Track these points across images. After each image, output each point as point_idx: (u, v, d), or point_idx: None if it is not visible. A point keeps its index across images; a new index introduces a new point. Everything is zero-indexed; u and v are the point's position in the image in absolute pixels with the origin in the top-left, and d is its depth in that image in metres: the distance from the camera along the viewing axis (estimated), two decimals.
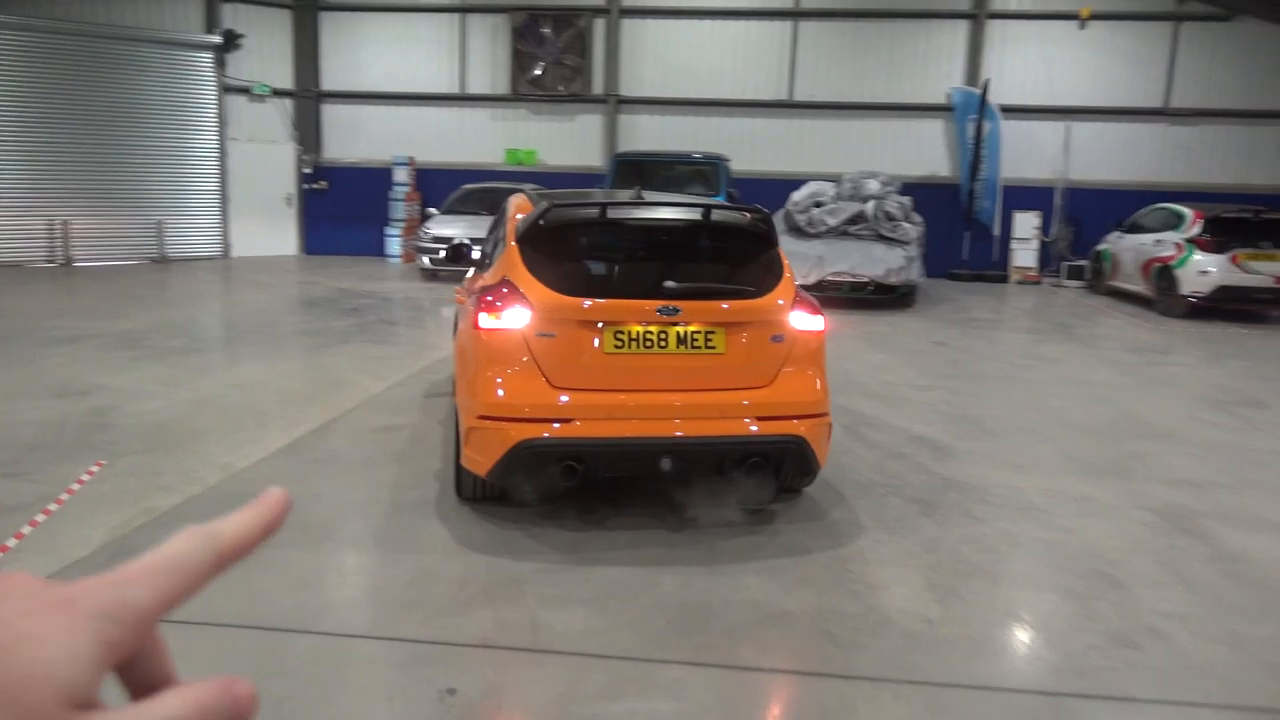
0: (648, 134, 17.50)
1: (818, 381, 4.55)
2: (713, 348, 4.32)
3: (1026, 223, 16.84)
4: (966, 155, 16.72)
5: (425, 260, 14.03)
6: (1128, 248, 14.07)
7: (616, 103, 17.52)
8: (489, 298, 4.35)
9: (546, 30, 17.44)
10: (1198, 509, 5.12)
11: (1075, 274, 16.42)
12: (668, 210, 5.08)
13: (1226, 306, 12.28)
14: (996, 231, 16.77)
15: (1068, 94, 16.97)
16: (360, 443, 5.94)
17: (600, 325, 4.24)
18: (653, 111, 17.58)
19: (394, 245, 17.39)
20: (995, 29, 17.04)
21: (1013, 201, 16.65)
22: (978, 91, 16.35)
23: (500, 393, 4.23)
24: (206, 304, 12.55)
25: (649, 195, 5.31)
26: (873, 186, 13.74)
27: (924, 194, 15.45)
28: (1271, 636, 3.73)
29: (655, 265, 4.64)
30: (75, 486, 4.92)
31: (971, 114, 16.42)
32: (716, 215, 4.75)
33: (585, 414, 4.21)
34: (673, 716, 3.14)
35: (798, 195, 13.90)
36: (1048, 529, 4.79)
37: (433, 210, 15.47)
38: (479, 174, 17.09)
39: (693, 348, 4.30)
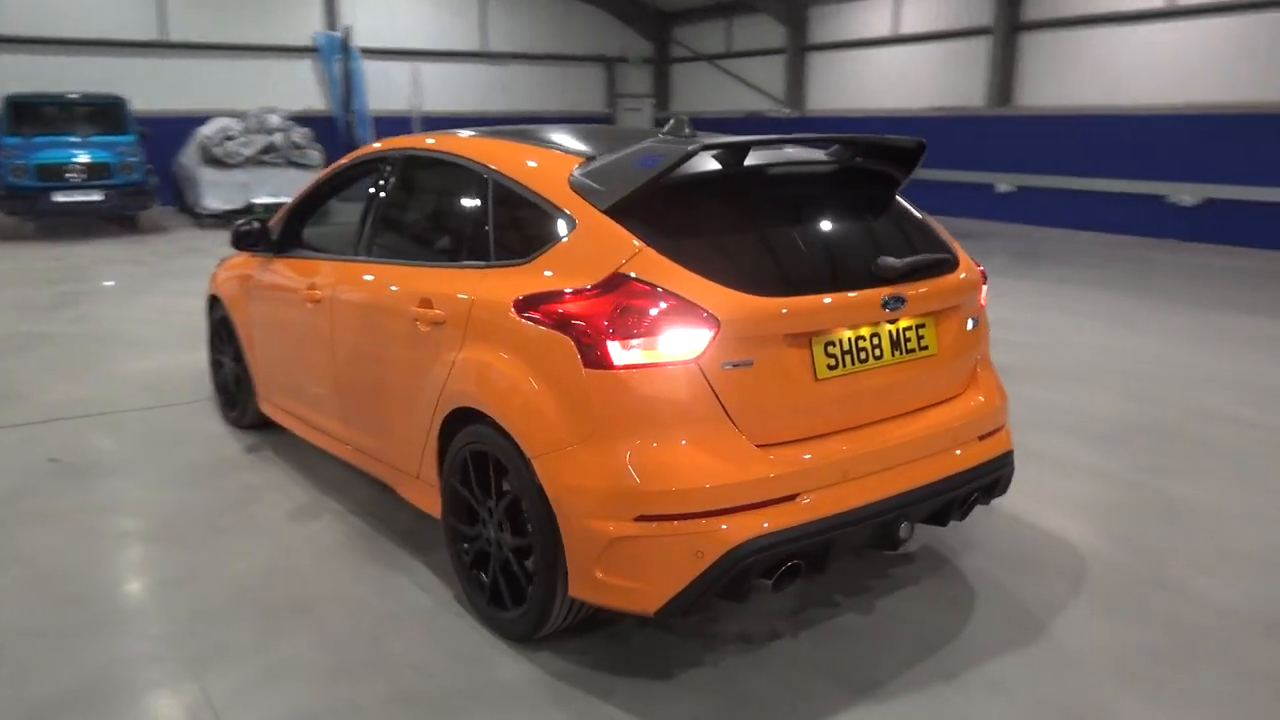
0: (17, 76, 16.81)
1: (995, 372, 3.47)
2: (925, 347, 3.05)
3: None
4: (337, 91, 19.36)
5: None
6: None
7: None
8: (614, 311, 2.60)
9: None
10: None
11: None
12: (814, 150, 3.41)
13: None
14: None
15: (412, 38, 20.59)
16: None
17: (810, 337, 2.76)
18: (19, 52, 16.88)
19: None
20: None
21: (384, 130, 19.81)
22: (340, 36, 19.06)
23: (682, 471, 2.58)
24: None
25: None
26: (274, 120, 15.75)
27: (307, 125, 17.80)
28: None
29: (828, 236, 3.10)
30: None
31: (336, 55, 19.09)
32: (874, 149, 3.29)
33: (812, 481, 2.70)
34: None
35: (208, 130, 15.27)
36: None
37: None
38: None
39: (907, 352, 2.99)
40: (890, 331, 2.95)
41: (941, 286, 3.08)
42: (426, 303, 3.31)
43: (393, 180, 3.94)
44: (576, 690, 2.85)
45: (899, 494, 2.84)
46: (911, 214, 3.36)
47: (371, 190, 4.01)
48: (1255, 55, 12.43)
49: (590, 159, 3.06)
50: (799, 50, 19.86)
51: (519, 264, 3.01)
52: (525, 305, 2.85)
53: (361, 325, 3.81)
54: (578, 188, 2.94)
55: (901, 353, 2.97)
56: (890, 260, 2.93)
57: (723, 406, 2.62)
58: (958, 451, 3.08)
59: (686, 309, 2.59)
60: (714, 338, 2.58)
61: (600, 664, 2.99)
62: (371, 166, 4.12)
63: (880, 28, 17.97)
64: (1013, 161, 15.03)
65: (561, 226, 2.93)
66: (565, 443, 2.68)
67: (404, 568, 3.68)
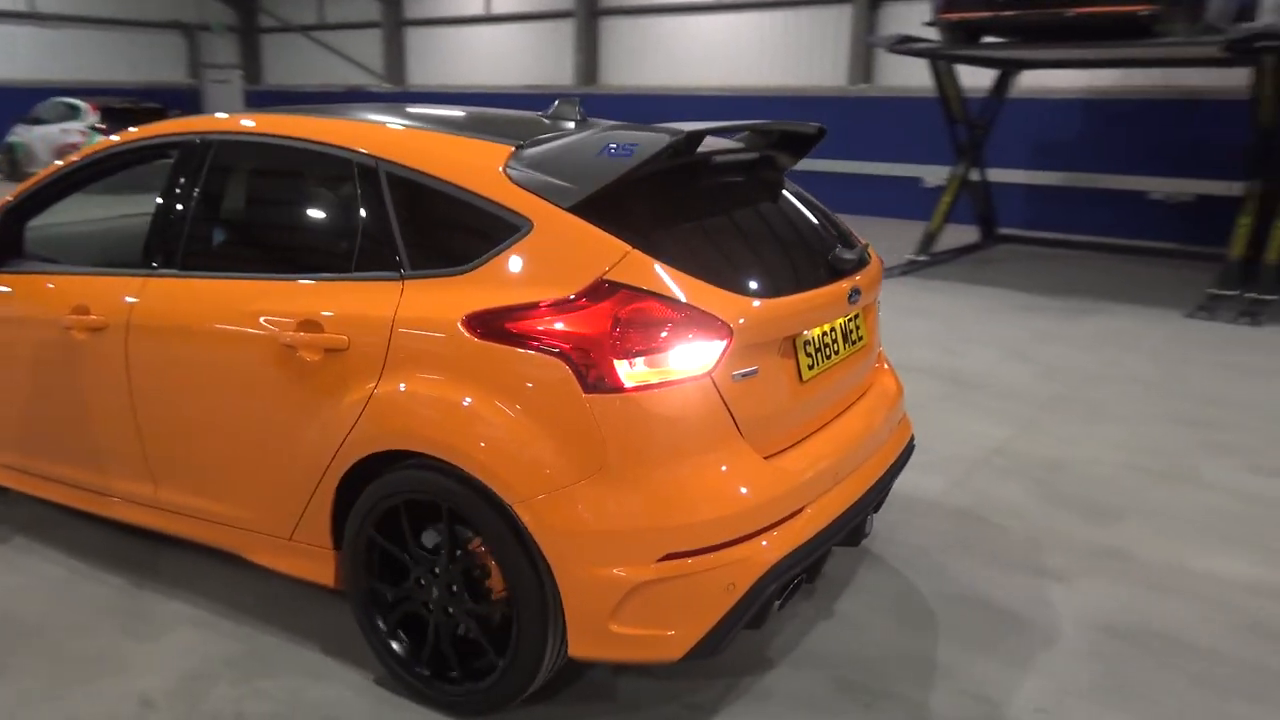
0: None
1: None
2: (861, 338, 2.99)
3: None
4: None
5: None
6: (39, 138, 16.15)
7: None
8: (614, 324, 2.27)
9: None
10: None
11: None
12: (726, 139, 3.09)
13: None
14: None
15: None
16: None
17: (794, 339, 2.61)
18: None
19: None
20: None
21: None
22: None
23: (709, 498, 2.33)
24: None
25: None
26: None
27: None
28: None
29: (786, 230, 2.99)
30: None
31: None
32: (787, 132, 3.13)
33: (813, 491, 2.54)
34: None
35: None
36: None
37: None
38: None
39: (852, 344, 2.92)
40: (841, 325, 2.82)
41: (871, 274, 3.00)
42: (311, 325, 2.59)
43: (212, 172, 3.06)
44: None
45: (868, 489, 2.78)
46: (812, 201, 3.19)
47: (177, 184, 3.07)
48: (798, 45, 14.58)
49: (520, 147, 2.55)
50: (396, 25, 19.79)
51: (453, 274, 2.45)
52: (481, 322, 2.35)
53: (189, 359, 2.90)
54: (524, 183, 2.44)
55: (850, 345, 2.88)
56: (844, 252, 2.85)
57: (734, 421, 2.36)
58: (897, 438, 3.10)
59: (696, 318, 2.29)
60: (727, 347, 2.31)
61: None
62: (160, 153, 3.23)
63: (474, 6, 18.46)
64: None
65: (507, 228, 2.42)
66: (562, 482, 2.27)
67: (295, 662, 2.80)
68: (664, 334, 2.26)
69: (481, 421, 2.34)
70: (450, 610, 2.55)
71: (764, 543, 2.34)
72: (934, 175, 12.27)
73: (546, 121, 2.96)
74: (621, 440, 2.25)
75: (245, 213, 3.21)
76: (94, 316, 3.08)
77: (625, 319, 2.26)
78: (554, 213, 2.39)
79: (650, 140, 2.40)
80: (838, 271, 2.80)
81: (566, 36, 17.05)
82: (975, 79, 10.47)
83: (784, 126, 3.08)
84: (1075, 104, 11.77)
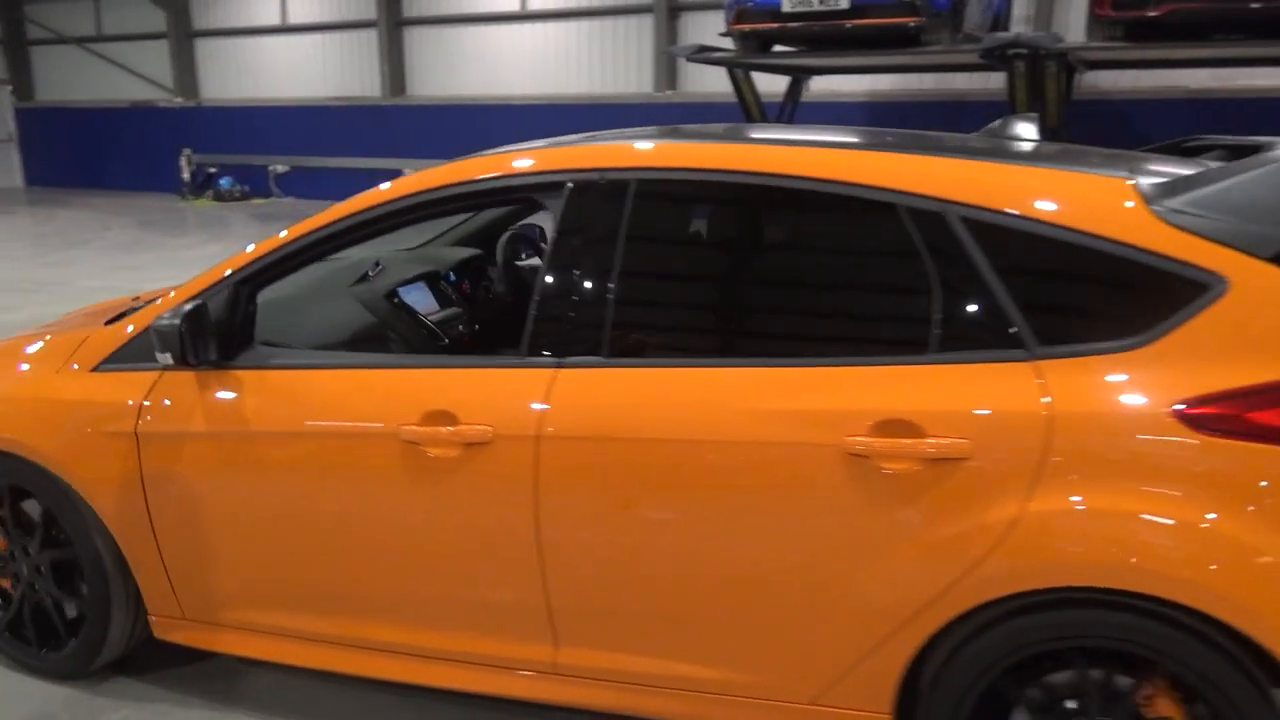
0: None
1: None
2: None
3: None
4: None
5: None
6: None
7: None
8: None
9: None
10: None
11: None
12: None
13: None
14: None
15: None
16: None
17: None
18: None
19: None
20: None
21: None
22: None
23: None
24: None
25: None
26: None
27: None
28: None
29: None
30: None
31: None
32: None
33: None
34: None
35: None
36: None
37: None
38: None
39: None
40: None
41: None
42: (898, 427, 1.96)
43: (640, 222, 2.30)
44: None
45: None
46: None
47: (573, 241, 2.33)
48: (605, 54, 14.96)
49: (1159, 183, 2.01)
50: (185, 36, 18.81)
51: (1118, 350, 1.89)
52: (1209, 411, 1.80)
53: (659, 480, 2.17)
54: (1198, 229, 1.90)
55: None
56: None
57: None
58: None
59: None
60: None
61: None
62: (498, 197, 2.60)
63: (270, 16, 17.81)
64: (410, 147, 16.07)
65: (1189, 287, 1.88)
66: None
67: None
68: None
69: (1239, 550, 1.78)
70: None
71: None
72: None
73: (1004, 141, 2.60)
74: None
75: (725, 276, 2.48)
76: (473, 427, 2.24)
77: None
78: (1253, 266, 1.86)
79: None
80: None
81: (371, 46, 16.77)
82: (772, 85, 11.15)
83: None
84: (860, 107, 12.72)
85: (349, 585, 2.52)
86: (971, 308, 2.00)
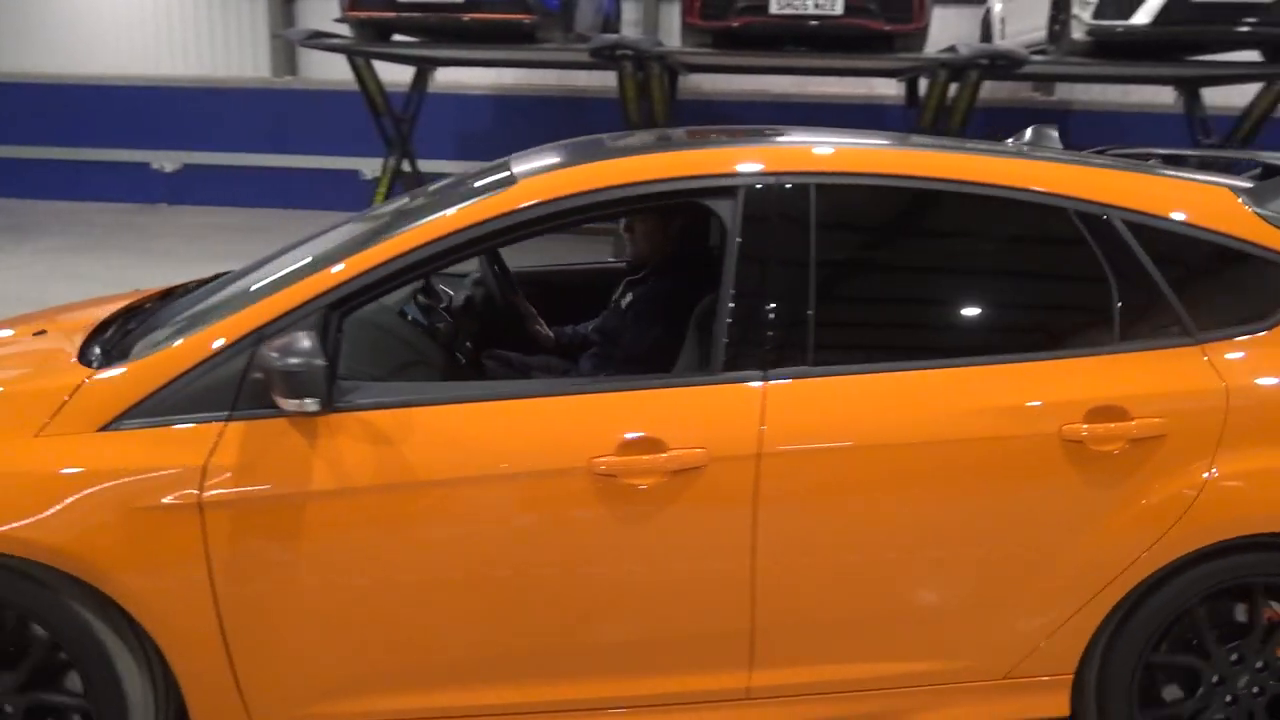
0: None
1: None
2: None
3: None
4: None
5: None
6: None
7: None
8: None
9: None
10: None
11: None
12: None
13: None
14: None
15: None
16: None
17: None
18: None
19: None
20: None
21: None
22: None
23: None
24: None
25: None
26: None
27: None
28: None
29: None
30: None
31: None
32: None
33: None
34: None
35: None
36: None
37: None
38: None
39: None
40: None
41: None
42: (1108, 413, 2.20)
43: (826, 229, 2.31)
44: None
45: None
46: None
47: (754, 249, 2.26)
48: (214, 34, 13.84)
49: (1246, 187, 2.46)
50: None
51: (1253, 333, 2.30)
52: None
53: (886, 484, 2.23)
54: None
55: None
56: None
57: None
58: None
59: None
60: None
61: None
62: (648, 202, 2.48)
63: None
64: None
65: None
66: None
67: None
68: None
69: None
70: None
71: None
72: (372, 167, 12.64)
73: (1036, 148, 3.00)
74: None
75: (917, 279, 2.54)
76: (690, 451, 2.13)
77: None
78: None
79: None
80: None
81: None
82: (398, 74, 11.01)
83: None
84: (486, 100, 12.95)
85: (518, 642, 2.25)
86: (1145, 300, 2.29)
